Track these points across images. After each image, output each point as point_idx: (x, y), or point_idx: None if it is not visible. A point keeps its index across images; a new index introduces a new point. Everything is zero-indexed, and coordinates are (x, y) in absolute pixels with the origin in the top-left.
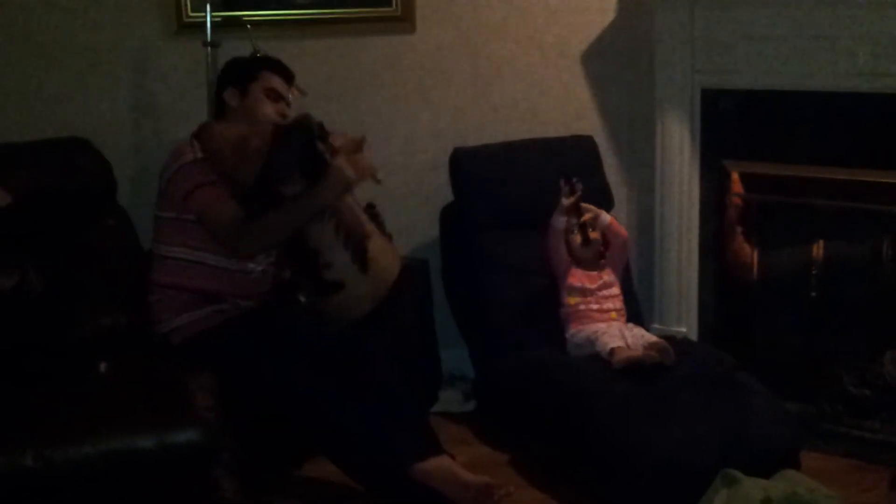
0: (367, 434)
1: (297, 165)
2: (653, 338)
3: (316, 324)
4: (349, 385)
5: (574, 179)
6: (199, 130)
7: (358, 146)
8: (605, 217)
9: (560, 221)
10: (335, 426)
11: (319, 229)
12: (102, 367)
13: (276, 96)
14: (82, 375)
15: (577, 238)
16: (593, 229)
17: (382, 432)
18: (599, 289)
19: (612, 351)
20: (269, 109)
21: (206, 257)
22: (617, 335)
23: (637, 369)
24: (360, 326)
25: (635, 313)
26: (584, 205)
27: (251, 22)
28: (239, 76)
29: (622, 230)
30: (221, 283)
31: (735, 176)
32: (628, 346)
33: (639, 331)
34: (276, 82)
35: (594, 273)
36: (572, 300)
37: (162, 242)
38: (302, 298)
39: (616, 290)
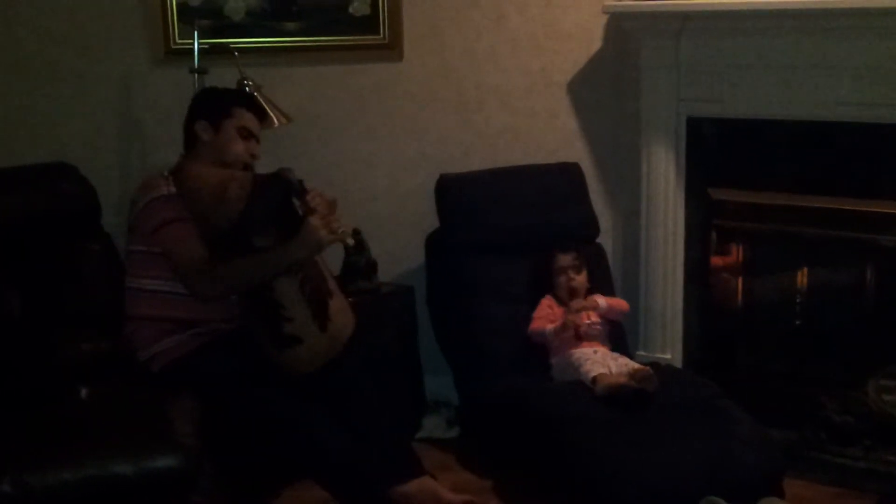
0: (349, 455)
1: (272, 218)
2: (636, 365)
3: None
4: (331, 406)
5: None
6: (177, 169)
7: (332, 208)
8: (602, 303)
9: (555, 338)
10: (317, 447)
11: (285, 283)
12: (83, 392)
13: (247, 134)
14: (62, 400)
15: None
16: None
17: (364, 453)
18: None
19: (595, 378)
20: (240, 148)
21: (176, 286)
22: (600, 362)
23: (619, 396)
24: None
25: (620, 340)
26: (580, 306)
27: (238, 49)
28: (212, 110)
29: (619, 303)
30: (197, 311)
31: (720, 204)
32: (612, 374)
33: (623, 360)
34: (250, 120)
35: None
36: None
37: (135, 276)
38: None
39: (600, 324)
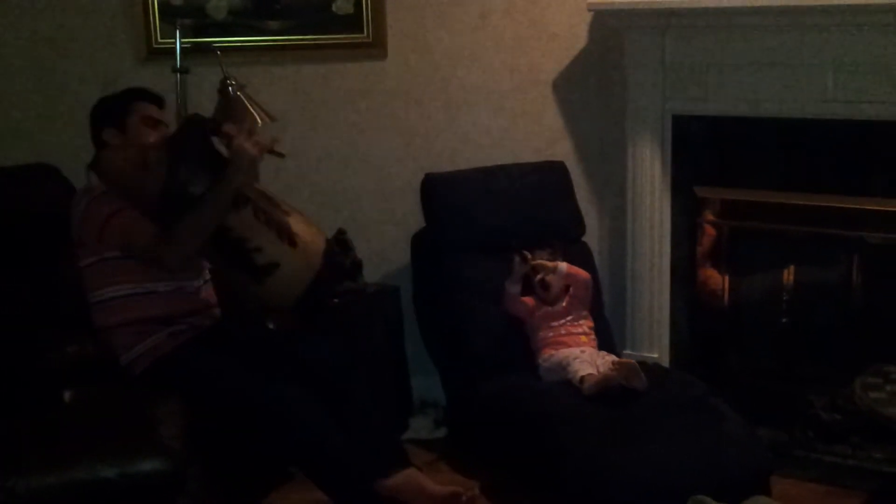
0: (336, 447)
1: (198, 162)
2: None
3: (281, 339)
4: (318, 400)
5: (527, 255)
6: (95, 160)
7: (251, 126)
8: (562, 267)
9: (514, 288)
10: (304, 438)
11: (238, 218)
12: (67, 395)
13: (154, 123)
14: (47, 404)
15: (538, 282)
16: (552, 274)
17: (351, 446)
18: (569, 322)
19: (583, 378)
20: (151, 138)
21: (137, 287)
22: (588, 361)
23: (607, 392)
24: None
25: (607, 340)
26: (537, 262)
27: (221, 48)
28: (112, 115)
29: (581, 272)
30: (164, 306)
31: (706, 202)
32: (599, 373)
33: (611, 358)
34: (151, 109)
35: (560, 310)
36: (542, 333)
37: (92, 290)
38: (271, 326)
39: (583, 319)
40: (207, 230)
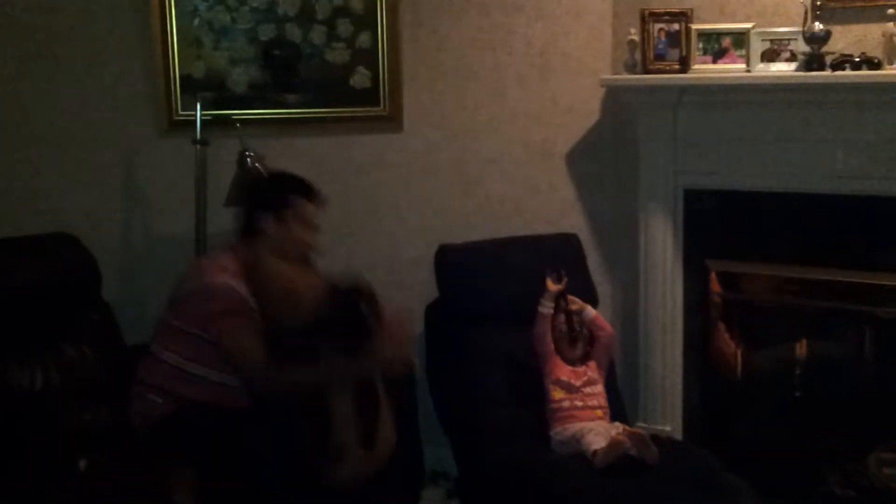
0: None
1: (341, 331)
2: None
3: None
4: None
5: (561, 270)
6: (254, 261)
7: (401, 324)
8: (590, 311)
9: (547, 307)
10: None
11: (339, 398)
12: (82, 463)
13: (310, 226)
14: (63, 472)
15: (564, 330)
16: (580, 327)
17: None
18: (584, 385)
19: (595, 452)
20: (301, 240)
21: (192, 367)
22: (602, 434)
23: (618, 462)
24: None
25: (619, 412)
26: (569, 297)
27: (240, 121)
28: (274, 201)
29: (607, 325)
30: (202, 394)
31: (717, 275)
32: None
33: (622, 427)
34: (310, 211)
35: (580, 369)
36: (557, 395)
37: (160, 344)
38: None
39: (600, 387)
40: (309, 389)
